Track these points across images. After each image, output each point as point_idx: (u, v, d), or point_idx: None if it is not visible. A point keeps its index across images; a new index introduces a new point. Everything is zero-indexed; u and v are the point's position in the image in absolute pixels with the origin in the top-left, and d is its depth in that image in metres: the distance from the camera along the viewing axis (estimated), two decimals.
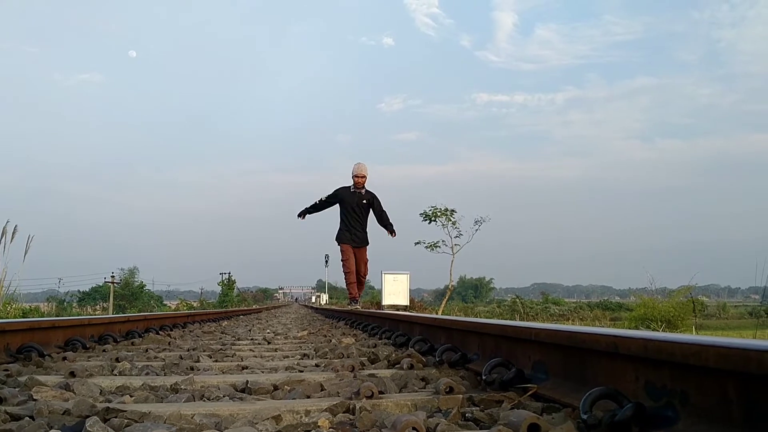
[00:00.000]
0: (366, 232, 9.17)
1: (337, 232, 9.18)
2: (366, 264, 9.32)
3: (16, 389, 1.96)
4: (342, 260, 9.15)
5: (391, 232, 9.15)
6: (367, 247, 9.29)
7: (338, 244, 9.18)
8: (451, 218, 24.86)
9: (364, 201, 9.01)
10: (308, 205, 9.23)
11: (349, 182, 9.08)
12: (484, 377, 2.07)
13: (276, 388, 2.16)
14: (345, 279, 9.32)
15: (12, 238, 10.51)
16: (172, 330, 6.08)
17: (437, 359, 2.74)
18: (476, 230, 24.78)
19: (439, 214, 24.83)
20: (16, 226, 10.66)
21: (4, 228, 10.46)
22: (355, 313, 8.14)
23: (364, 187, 9.00)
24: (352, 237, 9.02)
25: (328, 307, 24.01)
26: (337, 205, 9.20)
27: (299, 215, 9.24)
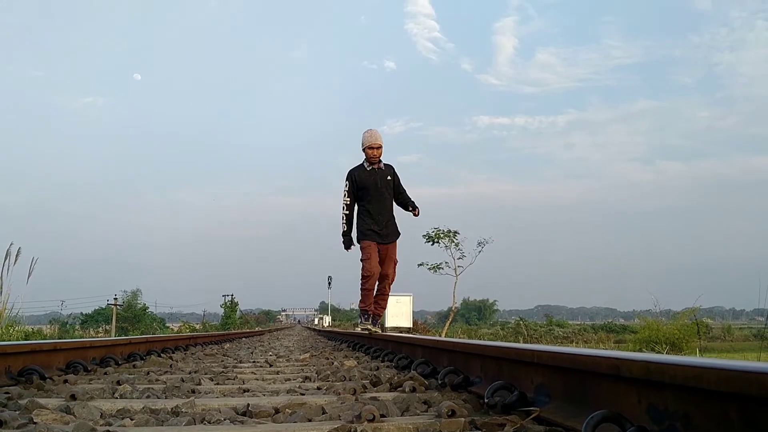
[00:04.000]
0: (395, 219, 7.01)
1: (357, 229, 6.94)
2: (395, 265, 6.97)
3: (17, 412, 1.95)
4: (362, 260, 6.82)
5: (414, 209, 7.08)
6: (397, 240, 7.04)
7: (359, 243, 6.92)
8: (454, 240, 24.86)
9: (388, 177, 6.89)
10: (343, 227, 6.98)
11: (359, 160, 6.96)
12: (486, 400, 2.05)
13: (277, 411, 2.15)
14: (362, 286, 6.86)
15: (15, 260, 10.51)
16: (174, 352, 6.05)
17: (440, 382, 2.72)
18: (479, 252, 24.76)
19: (441, 235, 24.81)
20: (19, 248, 10.68)
21: (7, 250, 10.47)
22: (359, 335, 7.24)
23: (380, 160, 6.88)
24: (381, 230, 6.81)
25: (330, 329, 23.92)
26: None
27: (347, 248, 7.03)
